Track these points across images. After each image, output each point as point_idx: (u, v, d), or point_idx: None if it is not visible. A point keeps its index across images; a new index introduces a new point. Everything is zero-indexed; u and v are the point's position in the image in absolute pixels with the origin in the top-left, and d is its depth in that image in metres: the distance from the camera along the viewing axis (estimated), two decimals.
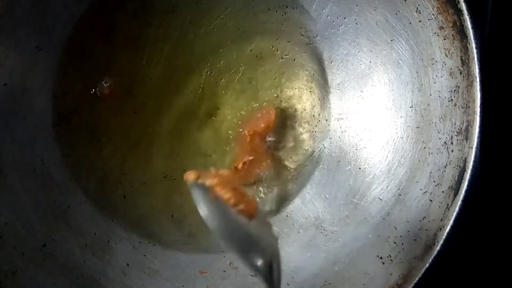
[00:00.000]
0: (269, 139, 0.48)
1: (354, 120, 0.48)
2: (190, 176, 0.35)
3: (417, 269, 0.39)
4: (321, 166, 0.49)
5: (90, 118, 0.48)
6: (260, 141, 0.48)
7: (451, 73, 0.40)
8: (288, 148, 0.49)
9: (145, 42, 0.48)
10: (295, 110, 0.49)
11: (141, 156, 0.48)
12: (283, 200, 0.49)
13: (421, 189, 0.42)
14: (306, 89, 0.49)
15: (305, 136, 0.49)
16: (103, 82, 0.46)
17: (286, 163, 0.49)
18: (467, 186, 0.38)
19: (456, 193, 0.39)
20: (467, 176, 0.39)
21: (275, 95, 0.49)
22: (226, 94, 0.49)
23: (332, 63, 0.48)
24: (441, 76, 0.41)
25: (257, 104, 0.49)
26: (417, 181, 0.42)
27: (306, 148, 0.49)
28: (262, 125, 0.47)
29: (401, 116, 0.44)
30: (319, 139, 0.49)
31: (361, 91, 0.47)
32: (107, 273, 0.45)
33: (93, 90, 0.47)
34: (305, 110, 0.49)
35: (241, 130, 0.48)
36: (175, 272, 0.46)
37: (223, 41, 0.49)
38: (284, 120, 0.49)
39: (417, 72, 0.43)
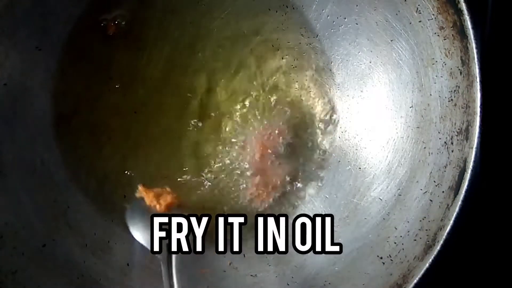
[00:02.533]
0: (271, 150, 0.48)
1: (354, 120, 0.48)
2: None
3: (417, 269, 0.39)
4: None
5: (90, 118, 0.48)
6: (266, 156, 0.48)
7: (451, 73, 0.40)
8: (287, 149, 0.49)
9: (145, 42, 0.48)
10: (295, 110, 0.49)
11: (141, 156, 0.48)
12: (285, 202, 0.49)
13: (421, 189, 0.42)
14: (306, 89, 0.49)
15: (305, 136, 0.49)
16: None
17: (288, 165, 0.49)
18: (467, 186, 0.38)
19: (456, 193, 0.39)
20: (467, 176, 0.39)
21: (275, 96, 0.49)
22: (226, 94, 0.49)
23: (332, 63, 0.48)
24: (441, 76, 0.41)
25: (257, 106, 0.49)
26: (417, 181, 0.42)
27: (306, 148, 0.49)
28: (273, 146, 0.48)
29: (401, 116, 0.44)
30: (319, 139, 0.49)
31: (361, 91, 0.47)
32: (107, 273, 0.45)
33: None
34: (305, 110, 0.49)
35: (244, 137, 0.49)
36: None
37: (223, 41, 0.49)
38: (284, 121, 0.49)
39: (417, 72, 0.43)
